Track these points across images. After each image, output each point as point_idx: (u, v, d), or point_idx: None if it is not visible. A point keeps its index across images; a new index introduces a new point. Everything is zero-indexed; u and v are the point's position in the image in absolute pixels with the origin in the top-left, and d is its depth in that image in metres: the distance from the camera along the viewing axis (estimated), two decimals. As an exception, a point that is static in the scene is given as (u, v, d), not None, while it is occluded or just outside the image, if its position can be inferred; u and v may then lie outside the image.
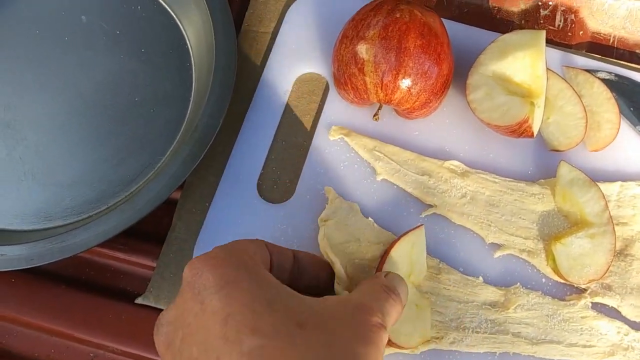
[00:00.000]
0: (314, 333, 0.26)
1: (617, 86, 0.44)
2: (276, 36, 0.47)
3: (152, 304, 0.40)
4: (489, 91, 0.41)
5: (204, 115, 0.41)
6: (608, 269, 0.39)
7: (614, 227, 0.39)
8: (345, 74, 0.41)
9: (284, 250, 0.33)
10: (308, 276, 0.34)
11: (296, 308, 0.27)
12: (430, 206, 0.41)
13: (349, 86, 0.42)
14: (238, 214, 0.42)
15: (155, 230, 0.42)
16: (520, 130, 0.41)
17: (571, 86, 0.43)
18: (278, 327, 0.26)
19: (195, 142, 0.41)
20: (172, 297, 0.40)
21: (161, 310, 0.40)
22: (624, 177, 0.43)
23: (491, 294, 0.39)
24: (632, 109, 0.44)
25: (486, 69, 0.42)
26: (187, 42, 0.47)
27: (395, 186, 0.42)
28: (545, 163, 0.43)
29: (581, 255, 0.39)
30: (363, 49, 0.40)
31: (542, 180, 0.42)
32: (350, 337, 0.27)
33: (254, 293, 0.27)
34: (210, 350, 0.26)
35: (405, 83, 0.40)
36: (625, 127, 0.44)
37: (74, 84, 0.46)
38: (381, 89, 0.40)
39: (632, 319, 0.39)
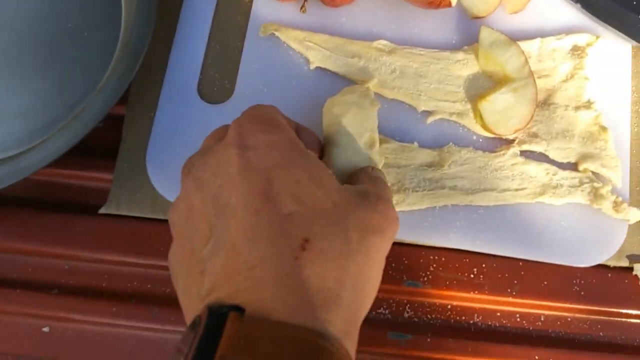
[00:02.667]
0: (347, 215, 0.29)
1: (530, -52, 0.46)
2: (196, -56, 0.47)
3: (115, 212, 0.43)
4: (405, -34, 0.43)
5: (133, 28, 0.43)
6: (532, 118, 0.42)
7: (534, 79, 0.42)
8: (265, -32, 0.42)
9: (290, 120, 0.35)
10: None
11: (332, 188, 0.30)
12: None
13: (272, -19, 0.43)
14: (183, 119, 0.44)
15: (108, 146, 0.44)
16: (437, 1, 0.42)
17: (484, -47, 0.44)
18: (315, 200, 0.28)
19: (129, 56, 0.42)
20: (132, 203, 0.43)
21: (124, 216, 0.43)
22: (543, 35, 0.45)
23: (426, 155, 0.42)
24: (545, -33, 0.46)
25: (400, -54, 0.43)
26: (110, -38, 0.48)
27: (329, 72, 0.44)
28: (468, 31, 0.45)
29: (506, 109, 0.42)
30: (277, -60, 0.41)
31: (466, 47, 0.44)
32: (377, 226, 0.30)
33: (298, 163, 0.29)
34: (250, 203, 0.28)
35: (322, -32, 0.41)
36: (540, -14, 0.46)
37: (7, 20, 0.47)
38: (301, -21, 0.42)
39: (559, 160, 0.42)
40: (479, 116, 0.42)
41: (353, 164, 0.38)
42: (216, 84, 0.45)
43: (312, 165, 0.30)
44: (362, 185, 0.33)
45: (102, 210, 0.43)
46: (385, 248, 0.30)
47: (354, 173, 0.36)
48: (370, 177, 0.35)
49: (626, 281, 0.41)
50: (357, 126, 0.39)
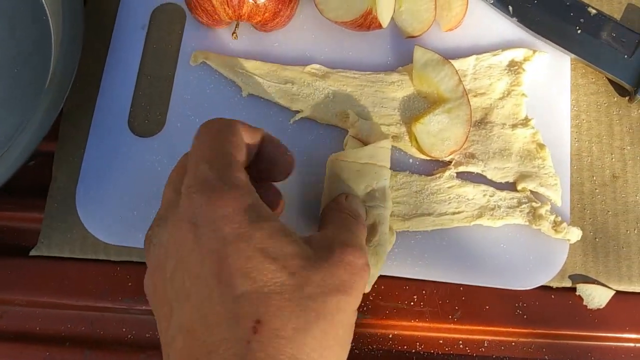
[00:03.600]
0: (304, 283, 0.28)
1: (463, -37, 0.45)
2: (124, -27, 0.46)
3: (46, 254, 0.42)
4: (333, -11, 0.42)
5: (59, 62, 0.42)
6: (467, 138, 0.41)
7: (468, 99, 0.41)
8: (193, -2, 0.41)
9: (254, 133, 0.32)
10: (264, 162, 0.34)
11: (289, 254, 0.28)
12: (297, 112, 0.43)
13: (200, 10, 0.42)
14: (113, 154, 0.43)
15: (39, 185, 0.43)
16: (367, 23, 0.42)
17: (416, -29, 0.44)
18: (269, 275, 0.27)
19: (54, 90, 0.41)
20: (64, 244, 0.42)
21: (57, 257, 0.42)
22: (480, 51, 0.44)
23: (362, 182, 0.41)
24: (479, -17, 0.45)
25: (328, -32, 0.42)
26: (37, -4, 0.47)
27: (261, 99, 0.43)
28: (403, 51, 0.44)
29: (440, 131, 0.41)
30: (200, -31, 0.40)
31: (400, 68, 0.44)
32: (340, 283, 0.29)
33: (250, 237, 0.28)
34: (202, 287, 0.27)
35: (248, -5, 0.40)
36: (476, 2, 0.45)
37: None
38: (228, 6, 0.41)
39: (497, 180, 0.41)
40: (414, 139, 0.41)
41: None
42: (147, 116, 0.44)
43: (266, 235, 0.28)
44: (328, 230, 0.33)
45: (33, 252, 0.42)
46: (353, 303, 0.29)
47: (325, 210, 0.36)
48: (340, 215, 0.34)
49: (570, 302, 0.40)
50: None
